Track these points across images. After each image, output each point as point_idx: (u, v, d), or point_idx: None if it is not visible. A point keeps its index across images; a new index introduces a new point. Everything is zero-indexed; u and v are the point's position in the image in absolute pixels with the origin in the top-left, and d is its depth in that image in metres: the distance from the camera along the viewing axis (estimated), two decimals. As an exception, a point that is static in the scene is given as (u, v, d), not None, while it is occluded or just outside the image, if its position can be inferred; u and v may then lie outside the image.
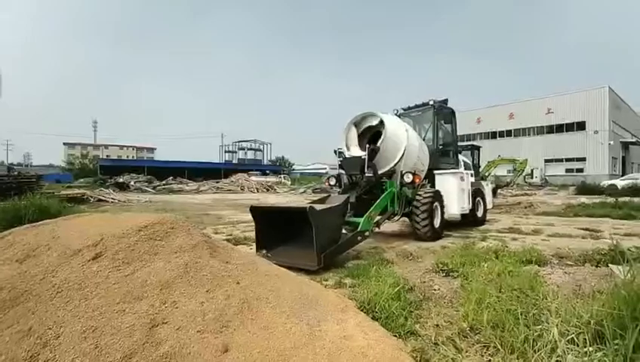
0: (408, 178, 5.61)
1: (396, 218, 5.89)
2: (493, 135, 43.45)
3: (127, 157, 74.87)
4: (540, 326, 2.08)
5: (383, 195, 5.29)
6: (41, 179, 15.17)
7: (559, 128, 38.22)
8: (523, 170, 18.20)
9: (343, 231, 4.65)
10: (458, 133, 8.34)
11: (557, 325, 1.96)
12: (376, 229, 5.29)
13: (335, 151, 6.14)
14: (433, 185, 6.75)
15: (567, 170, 37.25)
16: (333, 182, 6.20)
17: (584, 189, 19.57)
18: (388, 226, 6.73)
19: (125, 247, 1.82)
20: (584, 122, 36.21)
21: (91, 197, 15.54)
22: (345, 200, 4.75)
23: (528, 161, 18.76)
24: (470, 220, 7.39)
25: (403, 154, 5.70)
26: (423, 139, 7.00)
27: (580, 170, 35.76)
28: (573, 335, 1.84)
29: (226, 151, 66.05)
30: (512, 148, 37.44)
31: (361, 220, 4.60)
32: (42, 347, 1.22)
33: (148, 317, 1.43)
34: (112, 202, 15.36)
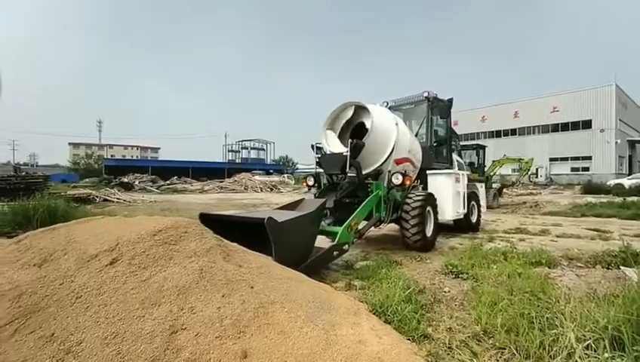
0: (397, 179, 4.89)
1: (382, 225, 5.14)
2: (497, 134, 43.17)
3: (132, 157, 75.36)
4: (555, 331, 2.07)
5: (367, 200, 4.57)
6: (48, 180, 15.29)
7: (564, 127, 37.90)
8: (528, 170, 18.06)
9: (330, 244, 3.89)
10: (463, 132, 8.13)
11: (573, 330, 1.95)
12: (357, 240, 4.52)
13: (312, 147, 5.33)
14: (425, 187, 6.09)
15: (573, 169, 36.95)
16: (311, 182, 5.41)
17: (590, 188, 19.43)
18: (392, 226, 6.62)
19: (141, 252, 1.83)
20: (590, 120, 35.87)
21: (97, 197, 15.65)
22: (320, 205, 3.95)
23: (534, 159, 18.62)
24: (463, 226, 6.75)
25: (392, 152, 4.99)
26: (415, 136, 6.37)
27: (586, 169, 35.46)
28: (590, 341, 1.82)
29: (229, 151, 66.28)
30: (517, 146, 37.18)
31: (339, 229, 3.93)
32: (66, 353, 1.23)
33: (167, 323, 1.43)
34: (117, 202, 15.44)
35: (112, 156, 63.19)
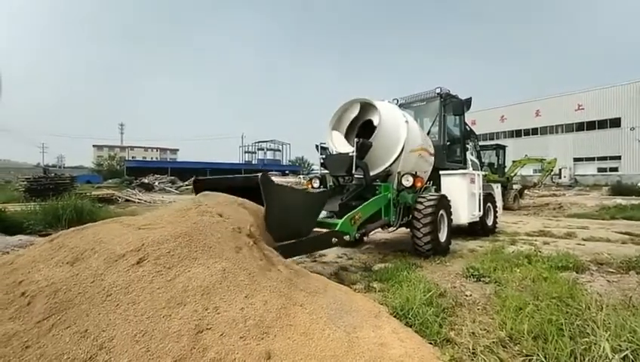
0: (407, 181, 4.68)
1: (391, 229, 4.91)
2: (517, 133, 41.88)
3: (152, 158, 77.73)
4: (587, 339, 1.98)
5: (374, 198, 4.43)
6: (74, 181, 15.99)
7: (590, 125, 36.34)
8: (551, 170, 17.37)
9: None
10: (481, 132, 7.81)
11: (607, 339, 1.86)
12: (360, 237, 4.20)
13: (317, 147, 5.03)
14: (438, 188, 5.83)
15: (600, 170, 35.36)
16: (317, 184, 5.18)
17: (620, 190, 18.49)
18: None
19: (166, 253, 1.87)
20: (619, 118, 34.25)
21: (119, 197, 16.21)
22: (322, 191, 3.75)
23: (557, 159, 17.89)
24: (478, 228, 6.50)
25: (401, 152, 4.70)
26: (427, 134, 6.12)
27: (614, 169, 33.85)
28: (627, 352, 1.73)
29: (245, 152, 67.31)
30: (538, 146, 35.99)
31: (340, 221, 3.75)
32: (99, 349, 1.28)
33: (193, 323, 1.46)
34: (138, 202, 15.95)
35: (132, 158, 65.35)
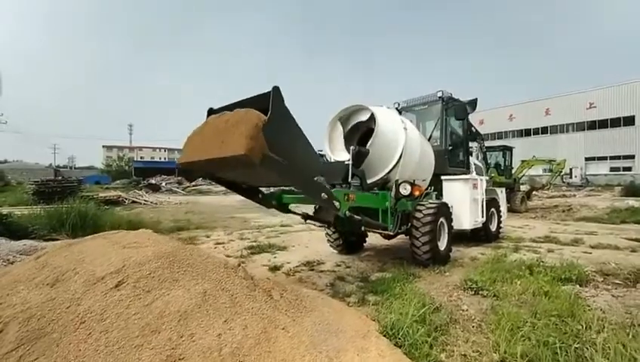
0: (405, 190, 4.53)
1: (388, 233, 4.74)
2: (526, 132, 41.08)
3: (160, 158, 78.68)
4: (584, 366, 1.89)
5: (373, 194, 4.37)
6: (81, 183, 16.25)
7: (602, 124, 35.43)
8: (561, 171, 16.95)
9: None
10: (489, 132, 7.55)
11: (604, 368, 1.77)
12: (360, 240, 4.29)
13: None
14: (440, 194, 5.72)
15: (612, 169, 34.48)
16: None
17: (632, 190, 17.98)
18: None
19: (146, 274, 1.85)
20: (633, 116, 33.31)
21: (126, 199, 16.42)
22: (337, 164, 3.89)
23: (567, 160, 17.43)
24: (481, 234, 6.33)
25: (399, 159, 4.59)
26: (429, 139, 6.03)
27: (628, 169, 32.97)
28: (623, 384, 1.64)
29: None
30: (548, 145, 35.33)
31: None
32: (64, 385, 1.25)
33: (164, 354, 1.43)
34: (144, 204, 16.13)
35: (141, 158, 66.24)
